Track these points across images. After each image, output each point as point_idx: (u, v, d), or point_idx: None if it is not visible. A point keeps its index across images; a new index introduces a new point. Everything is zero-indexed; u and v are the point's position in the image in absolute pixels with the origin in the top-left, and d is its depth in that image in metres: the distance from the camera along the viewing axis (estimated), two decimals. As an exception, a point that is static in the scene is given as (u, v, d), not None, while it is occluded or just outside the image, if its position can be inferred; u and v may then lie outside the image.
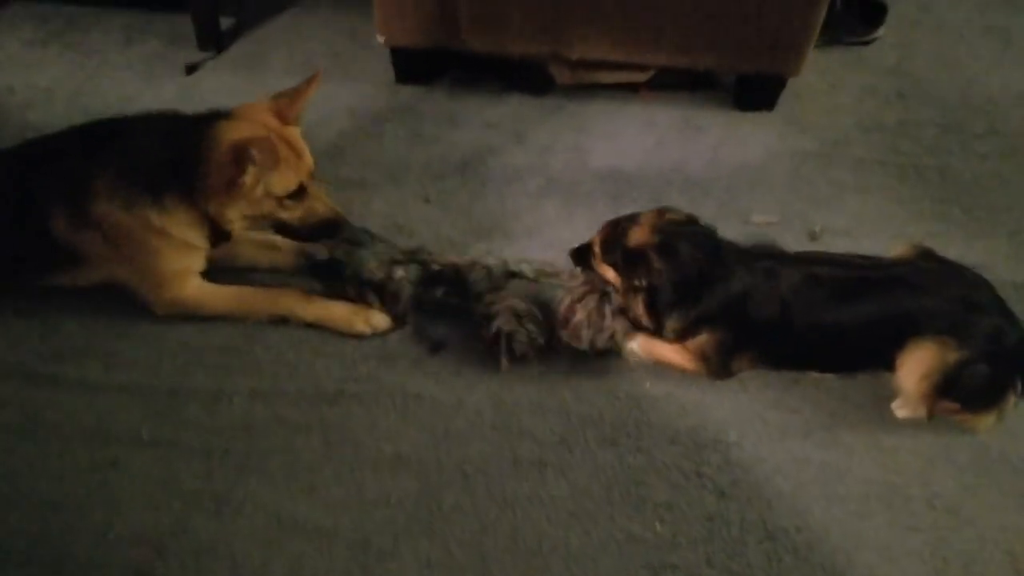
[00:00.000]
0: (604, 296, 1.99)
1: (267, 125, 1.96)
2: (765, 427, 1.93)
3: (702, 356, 1.96)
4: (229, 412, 1.94)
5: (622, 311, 1.98)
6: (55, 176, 2.00)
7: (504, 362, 1.98)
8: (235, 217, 1.98)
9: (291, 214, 2.01)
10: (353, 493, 1.79)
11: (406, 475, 1.83)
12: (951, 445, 1.90)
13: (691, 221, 1.96)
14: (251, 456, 1.85)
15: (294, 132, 2.03)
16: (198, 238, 2.04)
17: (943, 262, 2.01)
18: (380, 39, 2.83)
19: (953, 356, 1.80)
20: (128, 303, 2.11)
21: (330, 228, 2.07)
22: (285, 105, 2.02)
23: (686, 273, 1.86)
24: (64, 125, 2.14)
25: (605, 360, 2.05)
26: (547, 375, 2.03)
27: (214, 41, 3.16)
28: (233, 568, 1.67)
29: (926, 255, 2.03)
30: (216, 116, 1.98)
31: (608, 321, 1.97)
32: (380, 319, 2.10)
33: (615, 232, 1.97)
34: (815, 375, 2.03)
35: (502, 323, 1.99)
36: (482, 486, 1.81)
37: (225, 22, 3.25)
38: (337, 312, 2.10)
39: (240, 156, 1.84)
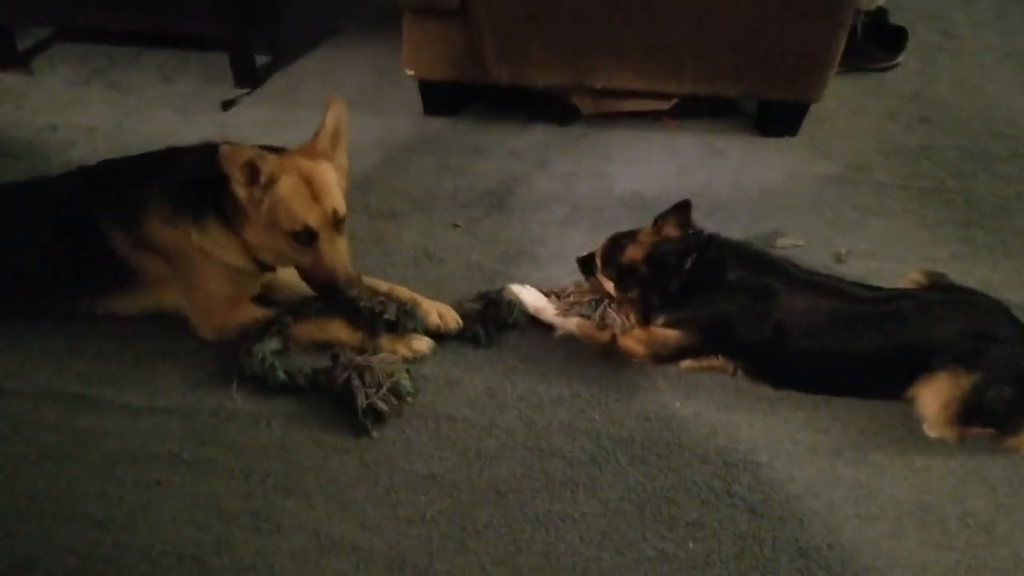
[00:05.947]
0: (609, 301, 2.24)
1: (294, 163, 1.93)
2: (795, 447, 1.94)
3: (662, 347, 2.06)
4: (268, 434, 1.98)
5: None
6: (113, 195, 2.09)
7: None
8: (253, 241, 2.02)
9: (301, 259, 2.01)
10: (388, 512, 1.82)
11: (440, 494, 1.86)
12: (983, 464, 1.90)
13: (686, 232, 2.10)
14: (289, 476, 1.89)
15: (323, 172, 1.96)
16: (240, 260, 2.08)
17: (953, 290, 2.05)
18: (409, 72, 2.92)
19: (967, 381, 1.85)
20: (168, 329, 2.18)
21: (329, 289, 2.01)
22: (313, 141, 2.01)
23: (669, 284, 2.04)
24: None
25: (635, 382, 2.08)
26: (577, 397, 2.06)
27: (250, 78, 3.27)
28: (273, 586, 1.70)
29: (936, 284, 2.07)
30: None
31: (610, 320, 2.20)
32: (421, 344, 2.14)
33: (613, 249, 2.14)
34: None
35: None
36: (515, 505, 1.83)
37: (260, 60, 3.36)
38: (381, 340, 2.12)
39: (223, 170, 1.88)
